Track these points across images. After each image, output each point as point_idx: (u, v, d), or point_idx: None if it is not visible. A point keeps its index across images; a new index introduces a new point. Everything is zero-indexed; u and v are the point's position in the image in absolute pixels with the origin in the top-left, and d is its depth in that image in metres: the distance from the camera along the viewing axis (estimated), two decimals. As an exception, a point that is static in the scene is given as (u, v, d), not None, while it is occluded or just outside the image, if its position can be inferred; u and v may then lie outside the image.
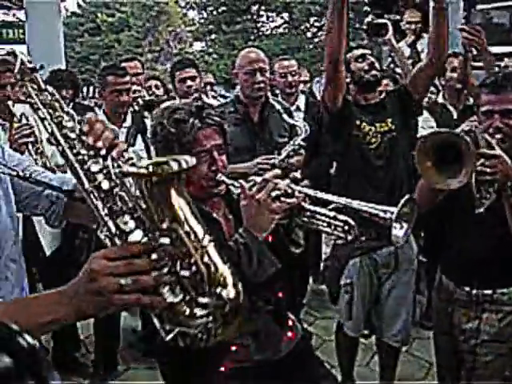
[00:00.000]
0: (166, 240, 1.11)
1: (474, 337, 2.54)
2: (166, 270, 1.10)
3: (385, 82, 4.23)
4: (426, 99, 4.72)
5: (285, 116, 3.38)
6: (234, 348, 2.00)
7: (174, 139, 1.93)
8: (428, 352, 3.92)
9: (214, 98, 5.04)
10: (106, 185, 1.20)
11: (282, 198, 1.86)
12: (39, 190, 1.79)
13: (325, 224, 1.93)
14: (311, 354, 2.35)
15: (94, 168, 1.22)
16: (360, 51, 3.25)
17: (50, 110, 1.37)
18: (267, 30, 19.41)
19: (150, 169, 1.07)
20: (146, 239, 1.13)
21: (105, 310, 1.12)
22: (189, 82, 4.26)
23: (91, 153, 1.24)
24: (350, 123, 3.12)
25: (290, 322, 2.22)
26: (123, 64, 4.40)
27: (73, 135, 1.29)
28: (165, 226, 1.12)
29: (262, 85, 3.42)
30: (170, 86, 5.02)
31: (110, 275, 1.08)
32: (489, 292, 2.51)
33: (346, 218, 1.90)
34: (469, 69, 3.73)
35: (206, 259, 1.13)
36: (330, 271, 3.35)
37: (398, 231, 1.90)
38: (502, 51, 4.92)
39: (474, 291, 2.53)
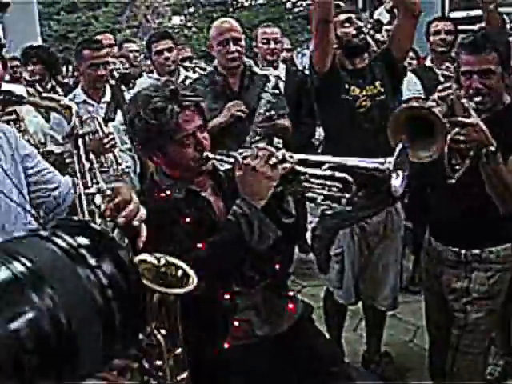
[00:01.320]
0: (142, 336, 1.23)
1: (464, 295, 2.57)
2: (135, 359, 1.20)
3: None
4: (414, 62, 4.74)
5: (255, 68, 3.36)
6: (236, 323, 2.01)
7: (155, 130, 1.89)
8: (414, 316, 3.99)
9: (193, 70, 4.96)
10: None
11: (277, 165, 1.85)
12: (51, 188, 1.80)
13: (320, 186, 1.91)
14: (314, 328, 2.36)
15: None
16: (346, 15, 3.16)
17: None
18: (246, 1, 19.20)
19: (158, 287, 1.20)
20: None
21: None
22: (166, 54, 4.21)
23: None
24: (339, 87, 3.08)
25: (290, 293, 2.22)
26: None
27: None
28: (148, 327, 1.24)
29: (236, 54, 3.38)
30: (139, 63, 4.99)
31: None
32: (477, 251, 2.53)
33: (343, 174, 1.88)
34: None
35: (171, 363, 1.30)
36: (318, 241, 3.35)
37: (396, 181, 1.89)
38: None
39: (463, 251, 2.56)
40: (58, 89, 4.41)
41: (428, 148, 2.10)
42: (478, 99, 2.30)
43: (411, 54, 4.82)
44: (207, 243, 1.84)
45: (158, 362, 1.27)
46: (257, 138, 3.29)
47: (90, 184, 1.49)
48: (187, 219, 1.91)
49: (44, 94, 1.75)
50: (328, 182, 1.90)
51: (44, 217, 1.83)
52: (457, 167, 2.23)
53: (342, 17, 3.14)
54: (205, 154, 1.95)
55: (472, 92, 2.33)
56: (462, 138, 2.13)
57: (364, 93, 3.11)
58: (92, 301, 0.50)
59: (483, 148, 2.17)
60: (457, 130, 2.13)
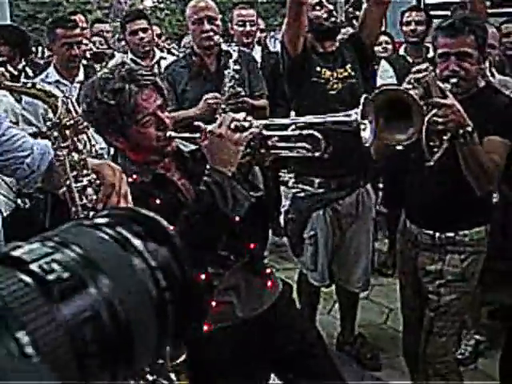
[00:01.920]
0: None
1: (438, 278, 2.59)
2: None
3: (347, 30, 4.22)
4: (389, 47, 4.77)
5: (223, 46, 3.37)
6: (214, 304, 1.99)
7: (114, 111, 1.84)
8: (387, 298, 4.04)
9: (169, 51, 4.93)
10: None
11: (243, 128, 1.83)
12: (24, 155, 1.75)
13: (289, 149, 1.90)
14: (294, 307, 2.37)
15: None
16: None
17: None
18: (220, -16, 19.14)
19: None
20: None
21: None
22: (140, 34, 4.15)
23: None
24: (310, 69, 3.09)
25: (268, 270, 2.22)
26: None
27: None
28: None
29: (211, 33, 3.36)
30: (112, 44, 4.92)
31: None
32: (451, 234, 2.55)
33: (310, 131, 1.86)
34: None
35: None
36: (291, 224, 3.36)
37: (365, 132, 1.87)
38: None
39: (437, 234, 2.58)
40: (28, 70, 4.32)
41: (405, 131, 2.09)
42: (454, 80, 2.31)
43: (386, 38, 4.87)
44: (181, 217, 1.82)
45: None
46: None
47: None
48: (157, 201, 1.88)
49: (30, 83, 1.70)
50: (297, 144, 1.88)
51: (17, 181, 1.80)
52: (435, 149, 2.24)
53: (313, 0, 3.12)
54: (168, 133, 1.92)
55: (448, 73, 2.34)
56: (439, 119, 2.14)
57: (335, 75, 3.12)
58: (146, 291, 0.48)
59: (460, 129, 2.18)
60: (434, 111, 2.13)
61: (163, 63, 4.08)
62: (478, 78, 2.51)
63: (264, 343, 2.10)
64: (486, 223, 2.59)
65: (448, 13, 4.42)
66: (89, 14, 18.94)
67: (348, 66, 3.15)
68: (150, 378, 1.29)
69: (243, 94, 3.36)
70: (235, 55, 3.38)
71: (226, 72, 3.33)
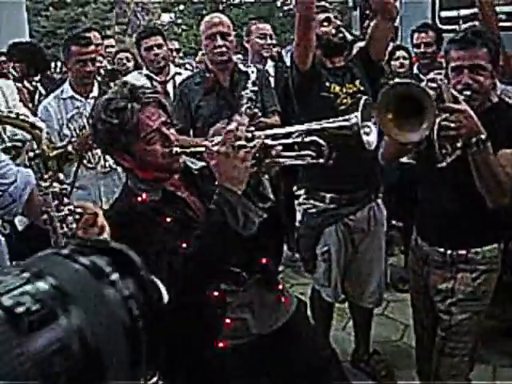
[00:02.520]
0: None
1: (449, 296, 2.55)
2: None
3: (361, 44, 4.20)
4: (406, 62, 4.75)
5: (240, 66, 3.35)
6: (228, 321, 1.97)
7: (118, 129, 1.85)
8: (403, 314, 3.98)
9: (183, 66, 4.96)
10: None
11: (247, 144, 1.81)
12: (6, 182, 1.76)
13: (293, 157, 1.88)
14: (309, 324, 2.34)
15: None
16: (324, 15, 3.17)
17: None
18: (236, -2, 19.29)
19: None
20: None
21: None
22: (155, 50, 4.19)
23: None
24: (319, 84, 3.09)
25: (280, 286, 2.20)
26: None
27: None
28: None
29: (224, 49, 3.36)
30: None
31: None
32: (463, 252, 2.51)
33: (313, 138, 1.85)
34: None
35: None
36: (303, 240, 3.34)
37: (368, 136, 1.85)
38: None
39: (449, 252, 2.54)
40: (40, 87, 4.37)
41: (416, 129, 2.04)
42: (467, 93, 2.28)
43: (404, 54, 4.83)
44: (193, 238, 1.81)
45: None
46: None
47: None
48: (168, 219, 1.88)
49: (15, 113, 1.70)
50: (301, 152, 1.87)
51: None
52: (446, 156, 2.20)
53: (321, 16, 3.13)
54: (174, 149, 1.91)
55: (461, 87, 2.31)
56: (451, 124, 2.10)
57: (344, 90, 3.12)
58: (119, 320, 0.48)
59: (473, 136, 2.15)
60: (446, 115, 2.10)
61: (178, 79, 4.09)
62: (491, 92, 2.48)
63: (278, 360, 2.08)
64: (499, 240, 2.54)
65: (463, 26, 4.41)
66: (107, 29, 19.23)
67: (357, 82, 3.15)
68: None
69: (260, 115, 3.35)
70: (253, 76, 3.39)
71: (243, 93, 3.33)
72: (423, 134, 2.03)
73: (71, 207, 1.40)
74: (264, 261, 2.10)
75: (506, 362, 3.46)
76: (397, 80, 2.25)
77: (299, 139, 1.86)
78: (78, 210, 1.36)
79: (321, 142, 1.84)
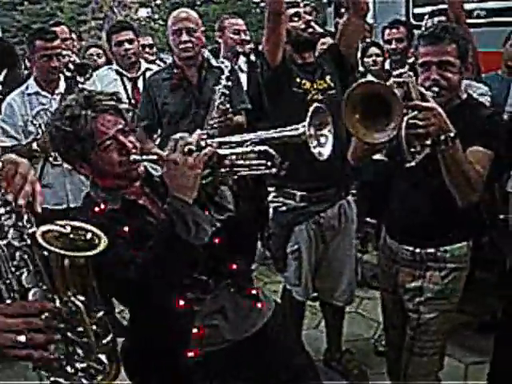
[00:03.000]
0: (60, 305, 1.27)
1: (417, 295, 2.53)
2: (56, 330, 1.25)
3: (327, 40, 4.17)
4: (379, 59, 4.72)
5: (213, 61, 3.31)
6: (195, 330, 1.94)
7: (72, 137, 1.84)
8: (376, 312, 3.95)
9: (153, 62, 4.88)
10: (16, 242, 1.25)
11: (198, 152, 1.77)
12: None
13: (246, 167, 1.83)
14: (285, 328, 2.31)
15: (8, 222, 1.26)
16: (294, 10, 3.12)
17: None
18: (213, -6, 19.17)
19: (64, 252, 1.23)
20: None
21: None
22: (126, 45, 4.13)
23: (7, 208, 1.26)
24: (290, 79, 3.05)
25: (254, 291, 2.15)
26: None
27: None
28: (65, 295, 1.28)
29: (189, 44, 3.32)
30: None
31: (6, 332, 1.18)
32: (432, 250, 2.49)
33: (264, 147, 1.79)
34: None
35: (94, 328, 1.33)
36: (274, 238, 3.31)
37: (321, 147, 1.79)
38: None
39: (418, 250, 2.51)
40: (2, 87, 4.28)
41: (383, 129, 1.99)
42: (435, 89, 2.25)
43: (377, 51, 4.79)
44: (146, 248, 1.78)
45: (80, 329, 1.30)
46: (212, 131, 3.22)
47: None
48: (125, 228, 1.84)
49: None
50: (254, 162, 1.82)
51: None
52: (416, 155, 2.17)
53: (291, 11, 3.08)
54: (131, 157, 1.88)
55: (430, 83, 2.28)
56: (420, 122, 2.06)
57: (315, 86, 3.08)
58: None
59: (442, 133, 2.11)
60: (414, 113, 2.06)
61: (149, 75, 4.02)
62: (460, 88, 2.45)
63: (255, 365, 2.04)
64: (468, 238, 2.52)
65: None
66: (83, 24, 19.01)
67: (327, 78, 3.12)
68: (79, 365, 1.30)
69: (230, 111, 3.33)
70: (227, 71, 3.34)
71: (216, 88, 3.29)
72: (391, 134, 1.99)
73: None
74: (234, 266, 2.07)
75: (477, 359, 3.45)
76: (362, 80, 2.19)
77: (249, 149, 1.81)
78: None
79: (271, 152, 1.79)
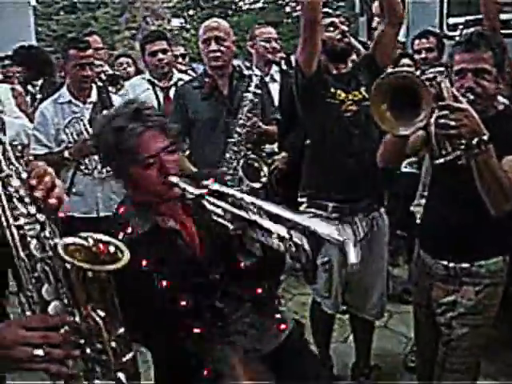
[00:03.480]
0: (80, 320, 1.24)
1: (450, 310, 2.47)
2: (75, 346, 1.23)
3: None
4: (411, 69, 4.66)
5: (245, 71, 3.32)
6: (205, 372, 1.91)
7: (115, 149, 1.82)
8: (407, 327, 3.88)
9: (186, 72, 4.89)
10: (37, 253, 1.23)
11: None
12: None
13: (278, 242, 1.63)
14: (304, 346, 2.27)
15: (31, 233, 1.23)
16: (329, 19, 3.08)
17: None
18: (245, 4, 19.25)
19: (86, 265, 1.21)
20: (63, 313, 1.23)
21: (10, 371, 1.28)
22: (160, 55, 4.15)
23: (31, 219, 1.23)
24: (325, 90, 3.01)
25: (278, 315, 2.12)
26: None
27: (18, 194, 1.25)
28: (85, 309, 1.25)
29: (218, 53, 3.33)
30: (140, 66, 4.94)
31: (24, 345, 1.17)
32: (466, 265, 2.43)
33: (302, 242, 1.60)
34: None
35: (114, 345, 1.29)
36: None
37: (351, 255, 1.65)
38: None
39: (452, 265, 2.46)
40: (38, 95, 4.34)
41: (411, 121, 1.95)
42: (470, 97, 2.18)
43: (409, 61, 4.72)
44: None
45: (100, 346, 1.27)
46: (240, 139, 3.27)
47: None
48: (144, 262, 1.80)
49: None
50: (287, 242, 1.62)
51: None
52: (444, 152, 2.11)
53: (326, 21, 3.05)
54: (171, 178, 1.82)
55: (464, 91, 2.21)
56: (451, 122, 2.00)
57: (350, 97, 3.04)
58: None
59: (475, 136, 2.04)
60: (446, 112, 2.00)
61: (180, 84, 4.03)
62: (495, 98, 2.38)
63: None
64: (503, 253, 2.46)
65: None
66: (117, 34, 19.29)
67: (362, 89, 3.07)
68: (97, 382, 1.27)
69: (259, 124, 3.35)
70: (256, 79, 3.36)
71: (245, 94, 3.31)
72: (418, 126, 1.94)
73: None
74: (259, 290, 2.03)
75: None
76: (391, 69, 2.14)
77: (289, 235, 1.59)
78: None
79: (307, 248, 1.59)
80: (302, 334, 2.28)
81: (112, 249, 1.30)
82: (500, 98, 2.46)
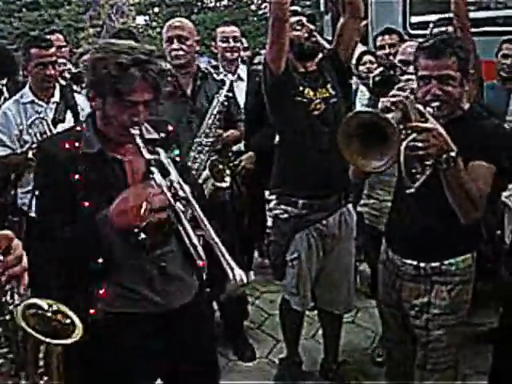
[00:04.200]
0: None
1: (425, 311, 2.48)
2: None
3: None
4: (373, 66, 4.70)
5: (214, 74, 3.35)
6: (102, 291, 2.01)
7: (112, 83, 1.89)
8: (374, 322, 3.93)
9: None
10: None
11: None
12: None
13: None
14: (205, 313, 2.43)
15: None
16: (296, 18, 3.09)
17: None
18: (211, 2, 19.18)
19: (39, 335, 1.22)
20: None
21: None
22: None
23: None
24: (293, 88, 3.02)
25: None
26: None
27: None
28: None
29: (180, 52, 3.34)
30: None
31: None
32: (436, 264, 2.44)
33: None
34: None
35: None
36: (273, 246, 3.28)
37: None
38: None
39: (422, 264, 2.47)
40: (5, 90, 4.25)
41: (381, 157, 1.96)
42: (435, 104, 2.20)
43: (371, 58, 4.77)
44: None
45: None
46: (208, 139, 3.30)
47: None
48: (76, 176, 1.95)
49: None
50: None
51: None
52: (417, 176, 2.13)
53: (293, 19, 3.05)
54: (132, 131, 1.95)
55: (430, 97, 2.23)
56: (420, 144, 2.01)
57: (318, 95, 3.06)
58: None
59: (443, 154, 2.06)
60: (413, 136, 2.01)
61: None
62: (461, 100, 2.41)
63: (170, 339, 2.12)
64: (472, 250, 2.48)
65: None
66: (81, 31, 19.02)
67: (329, 86, 3.10)
68: None
69: (224, 137, 3.41)
70: (228, 83, 3.40)
71: (216, 95, 3.33)
72: (390, 160, 1.96)
73: None
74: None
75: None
76: (354, 111, 2.17)
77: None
78: None
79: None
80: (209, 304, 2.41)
81: (67, 321, 1.33)
82: (465, 100, 2.48)
